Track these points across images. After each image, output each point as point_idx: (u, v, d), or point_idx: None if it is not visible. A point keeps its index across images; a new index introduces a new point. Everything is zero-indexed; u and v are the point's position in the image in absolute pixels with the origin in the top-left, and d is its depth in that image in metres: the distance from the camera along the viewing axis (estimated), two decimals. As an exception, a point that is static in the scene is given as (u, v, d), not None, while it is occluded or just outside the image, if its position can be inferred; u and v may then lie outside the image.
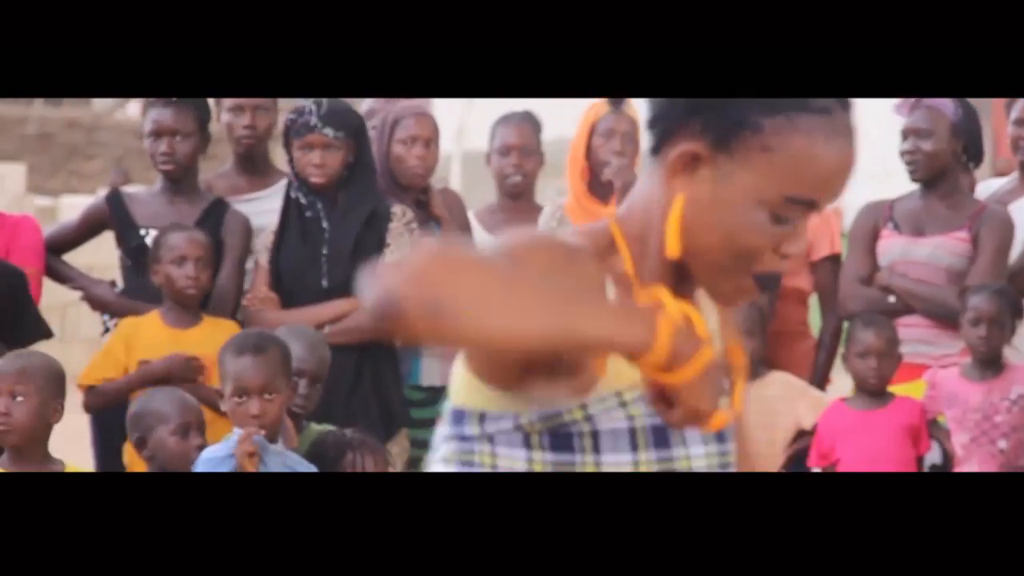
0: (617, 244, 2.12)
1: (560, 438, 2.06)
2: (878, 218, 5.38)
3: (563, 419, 2.04)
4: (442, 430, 2.14)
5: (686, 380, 1.90)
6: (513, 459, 2.07)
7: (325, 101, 5.04)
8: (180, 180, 5.13)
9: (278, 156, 5.31)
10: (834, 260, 5.58)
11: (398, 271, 1.82)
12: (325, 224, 5.01)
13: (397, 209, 5.07)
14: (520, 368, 2.01)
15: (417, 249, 1.85)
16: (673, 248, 2.06)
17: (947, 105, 5.33)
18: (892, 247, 5.31)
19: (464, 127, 12.71)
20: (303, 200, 5.04)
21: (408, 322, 1.82)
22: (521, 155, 5.70)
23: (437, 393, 5.12)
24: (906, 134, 5.34)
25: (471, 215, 5.68)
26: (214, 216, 5.10)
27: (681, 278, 2.11)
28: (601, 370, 2.04)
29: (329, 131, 4.97)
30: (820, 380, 5.56)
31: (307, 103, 5.06)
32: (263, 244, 5.09)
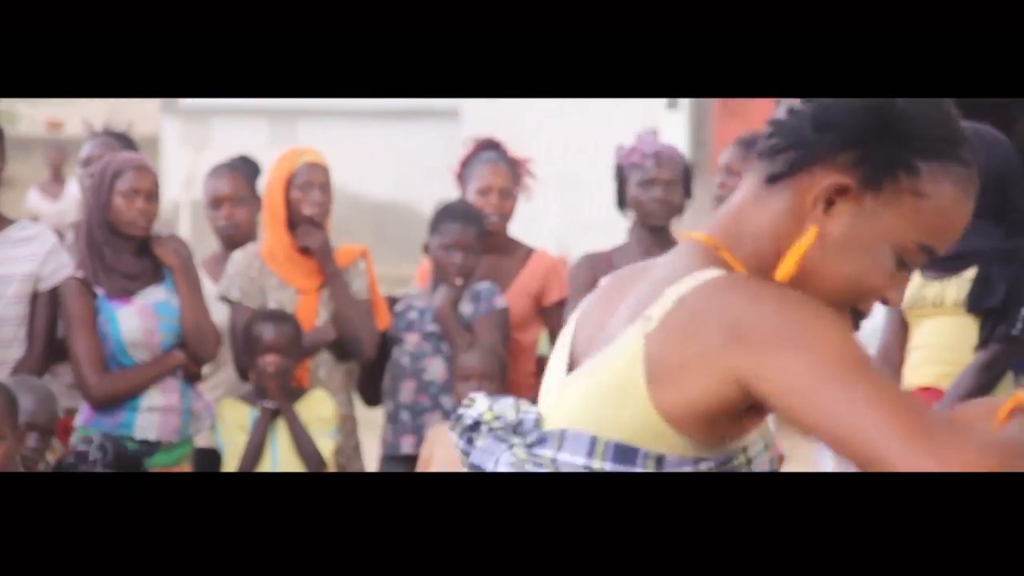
0: (735, 272, 2.01)
1: None
2: (597, 269, 5.39)
3: (732, 464, 2.00)
4: (578, 460, 2.01)
5: None
6: None
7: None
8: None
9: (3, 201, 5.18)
10: (564, 305, 5.57)
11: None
12: None
13: None
14: (729, 421, 1.97)
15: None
16: (784, 277, 1.99)
17: (676, 152, 5.51)
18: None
19: (193, 176, 12.64)
20: None
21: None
22: (232, 205, 5.66)
23: (152, 447, 5.10)
24: (650, 182, 5.46)
25: (199, 263, 5.64)
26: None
27: None
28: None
29: None
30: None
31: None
32: None
